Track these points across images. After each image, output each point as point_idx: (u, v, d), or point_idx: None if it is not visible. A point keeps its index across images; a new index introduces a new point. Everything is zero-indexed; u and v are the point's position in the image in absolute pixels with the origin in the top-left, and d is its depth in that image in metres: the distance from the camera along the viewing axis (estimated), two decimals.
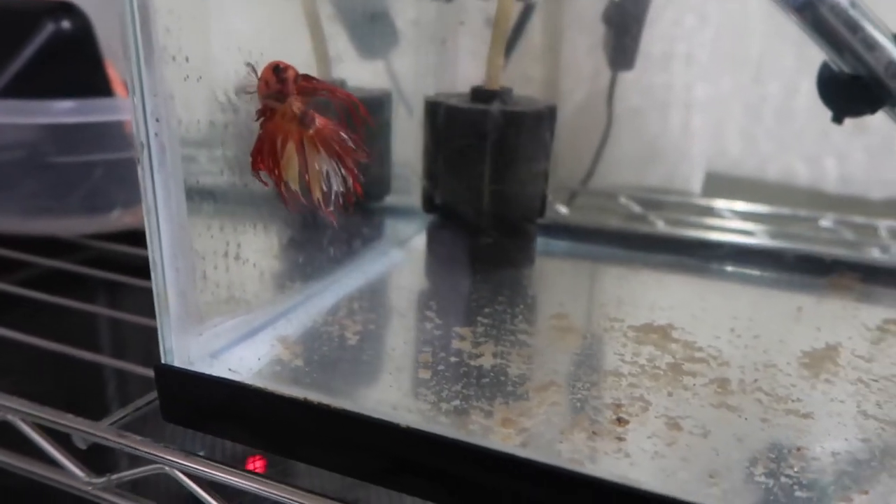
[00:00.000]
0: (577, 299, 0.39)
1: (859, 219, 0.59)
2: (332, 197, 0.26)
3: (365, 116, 0.26)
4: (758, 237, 0.55)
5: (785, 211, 0.60)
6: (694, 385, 0.29)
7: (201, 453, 0.27)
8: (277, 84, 0.26)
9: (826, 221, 0.59)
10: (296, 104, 0.25)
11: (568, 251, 0.47)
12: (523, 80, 0.67)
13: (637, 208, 0.62)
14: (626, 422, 0.26)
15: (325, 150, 0.25)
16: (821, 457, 0.25)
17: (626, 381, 0.29)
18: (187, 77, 0.26)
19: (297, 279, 0.35)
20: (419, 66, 0.46)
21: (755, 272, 0.43)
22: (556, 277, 0.43)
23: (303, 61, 0.35)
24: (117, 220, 0.53)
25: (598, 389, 0.28)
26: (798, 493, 0.23)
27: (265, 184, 0.26)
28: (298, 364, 0.30)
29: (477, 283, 0.39)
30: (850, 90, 0.36)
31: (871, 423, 0.27)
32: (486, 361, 0.30)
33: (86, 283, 0.47)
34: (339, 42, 0.41)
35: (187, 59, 0.25)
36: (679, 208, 0.63)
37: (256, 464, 0.41)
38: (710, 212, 0.62)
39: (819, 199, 0.62)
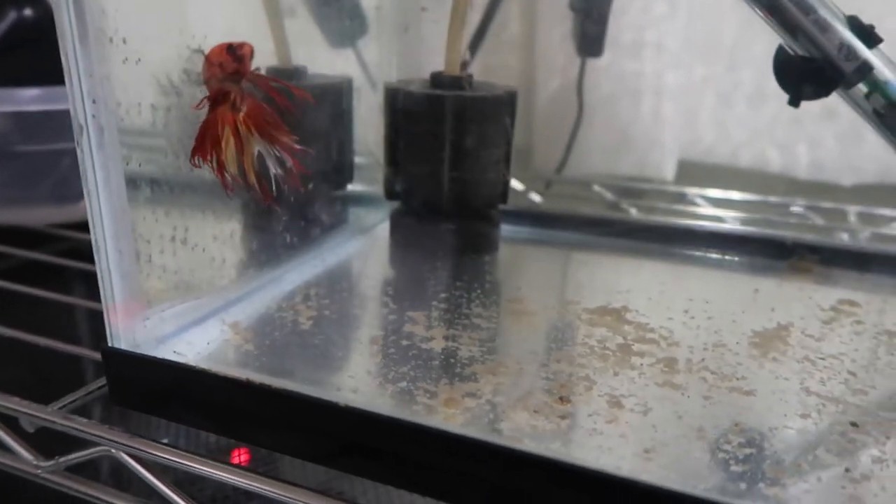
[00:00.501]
0: (536, 284, 0.39)
1: (829, 204, 0.59)
2: (272, 180, 0.26)
3: (291, 101, 0.26)
4: (727, 223, 0.55)
5: (756, 197, 0.60)
6: (641, 365, 0.29)
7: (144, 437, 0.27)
8: (234, 63, 0.26)
9: (797, 207, 0.59)
10: (234, 87, 0.25)
11: (536, 238, 0.47)
12: (499, 69, 0.67)
13: (610, 196, 0.63)
14: (569, 401, 0.26)
15: (257, 131, 0.25)
16: (759, 432, 0.25)
17: (575, 362, 0.29)
18: (126, 59, 0.26)
19: (252, 266, 0.35)
20: (382, 53, 0.46)
21: (717, 256, 0.43)
22: (517, 263, 0.43)
23: (259, 46, 0.35)
24: (85, 209, 0.53)
25: (545, 370, 0.29)
26: (733, 468, 0.23)
27: (199, 168, 0.26)
28: (249, 348, 0.30)
29: (437, 270, 0.39)
30: (804, 73, 0.37)
31: (812, 399, 0.27)
32: (437, 344, 0.30)
33: (55, 273, 0.47)
34: (297, 25, 0.40)
35: (125, 41, 0.25)
36: (651, 196, 0.63)
37: (241, 457, 0.41)
38: (683, 199, 0.62)
39: (791, 186, 0.62)
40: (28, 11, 0.47)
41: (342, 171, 0.42)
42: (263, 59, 0.38)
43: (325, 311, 0.33)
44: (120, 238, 0.26)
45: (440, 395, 0.27)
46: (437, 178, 0.40)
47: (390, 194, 0.42)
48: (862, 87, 0.36)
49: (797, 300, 0.37)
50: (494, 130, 0.40)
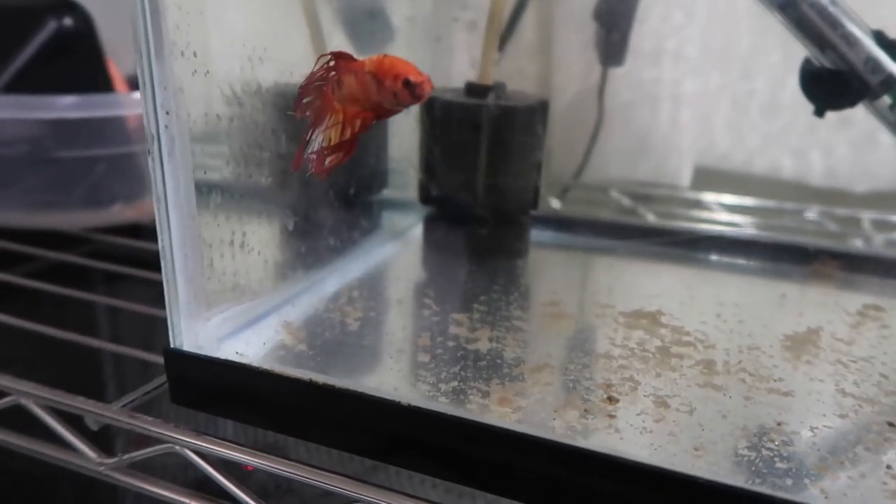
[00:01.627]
0: (569, 287, 0.40)
1: (843, 211, 0.60)
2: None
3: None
4: (745, 229, 0.56)
5: (771, 203, 0.62)
6: (681, 366, 0.30)
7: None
8: (411, 99, 0.24)
9: (811, 213, 0.61)
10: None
11: (561, 242, 0.48)
12: (517, 76, 0.69)
13: (627, 202, 0.64)
14: (617, 400, 0.27)
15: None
16: (800, 431, 0.26)
17: (617, 364, 0.30)
18: (195, 71, 0.27)
19: (300, 268, 0.36)
20: (414, 61, 0.47)
21: (741, 261, 0.44)
22: (549, 267, 0.44)
23: (301, 56, 0.36)
24: (118, 213, 0.54)
25: (589, 371, 0.30)
26: (778, 465, 0.24)
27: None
28: (302, 349, 0.31)
29: (473, 273, 0.40)
30: (831, 85, 0.38)
31: (848, 401, 0.28)
32: (483, 345, 0.32)
33: (89, 275, 0.48)
34: (337, 38, 0.42)
35: (195, 55, 0.27)
36: (668, 202, 0.64)
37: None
38: (699, 204, 0.63)
39: (805, 192, 0.64)
40: (68, 21, 0.49)
41: (378, 176, 0.44)
42: (304, 69, 0.39)
43: (370, 313, 0.35)
44: (186, 243, 0.28)
45: (492, 394, 0.28)
46: (472, 185, 0.41)
47: (425, 199, 0.43)
48: (886, 99, 0.37)
49: (823, 305, 0.38)
50: (528, 139, 0.42)
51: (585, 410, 0.27)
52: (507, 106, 0.40)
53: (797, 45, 0.38)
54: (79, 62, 0.50)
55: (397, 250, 0.44)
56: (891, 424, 0.26)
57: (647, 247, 0.46)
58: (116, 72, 0.53)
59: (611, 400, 0.27)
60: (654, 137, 0.65)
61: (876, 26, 0.37)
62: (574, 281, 0.42)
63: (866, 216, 0.59)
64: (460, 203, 0.42)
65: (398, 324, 0.34)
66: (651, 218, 0.60)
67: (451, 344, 0.32)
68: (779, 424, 0.26)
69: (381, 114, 0.26)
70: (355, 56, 0.26)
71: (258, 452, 0.27)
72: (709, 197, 0.64)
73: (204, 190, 0.28)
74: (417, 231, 0.45)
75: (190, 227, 0.28)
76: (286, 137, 0.33)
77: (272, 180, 0.33)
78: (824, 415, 0.27)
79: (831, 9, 0.36)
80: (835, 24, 0.36)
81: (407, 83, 0.24)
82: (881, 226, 0.58)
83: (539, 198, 0.44)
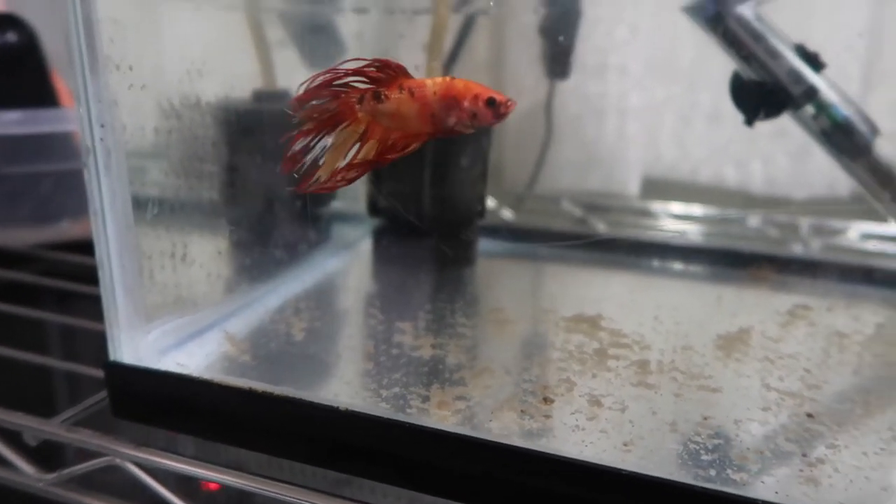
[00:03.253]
0: (514, 295, 0.41)
1: (783, 217, 0.63)
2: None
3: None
4: (690, 236, 0.58)
5: (716, 212, 0.64)
6: (617, 367, 0.31)
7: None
8: (494, 119, 0.24)
9: (754, 220, 0.63)
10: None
11: (509, 251, 0.49)
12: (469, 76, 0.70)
13: (579, 211, 0.65)
14: (552, 401, 0.28)
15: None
16: (725, 425, 0.27)
17: (555, 366, 0.31)
18: (131, 85, 0.27)
19: (245, 280, 0.36)
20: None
21: (682, 267, 0.46)
22: (496, 275, 0.45)
23: (244, 70, 0.37)
24: (66, 230, 0.53)
25: (528, 374, 0.31)
26: (703, 457, 0.25)
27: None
28: (246, 359, 0.31)
29: (420, 283, 0.41)
30: (758, 95, 0.40)
31: (772, 395, 0.29)
32: (426, 352, 0.32)
33: (37, 292, 0.48)
34: (284, 52, 0.42)
35: (131, 68, 0.27)
36: (618, 211, 0.66)
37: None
38: (648, 213, 0.65)
39: (748, 200, 0.66)
40: (11, 36, 0.48)
41: None
42: (249, 83, 0.39)
43: (316, 323, 0.35)
44: (124, 256, 0.28)
45: (433, 398, 0.28)
46: (419, 196, 0.42)
47: (374, 211, 0.44)
48: (810, 109, 0.39)
49: (756, 305, 0.40)
50: (472, 150, 0.42)
51: (522, 411, 0.28)
52: None
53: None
54: (23, 77, 0.49)
55: (346, 262, 0.44)
56: (810, 416, 0.28)
57: (594, 255, 0.48)
58: (62, 86, 0.53)
59: (546, 401, 0.28)
60: (602, 149, 0.67)
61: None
62: (519, 288, 0.43)
63: (804, 222, 0.61)
64: (407, 214, 0.43)
65: (343, 333, 0.35)
66: (602, 227, 0.62)
67: (394, 352, 0.32)
68: (705, 419, 0.27)
69: (439, 135, 0.24)
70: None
71: (205, 464, 0.27)
72: (657, 206, 0.66)
73: (142, 202, 0.28)
74: (367, 243, 0.45)
75: (127, 239, 0.28)
76: (228, 150, 0.33)
77: (215, 193, 0.33)
78: (748, 409, 0.28)
79: (755, 24, 0.38)
80: (758, 38, 0.38)
81: (491, 102, 0.23)
82: (818, 231, 0.60)
83: (486, 208, 0.44)
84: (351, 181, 0.24)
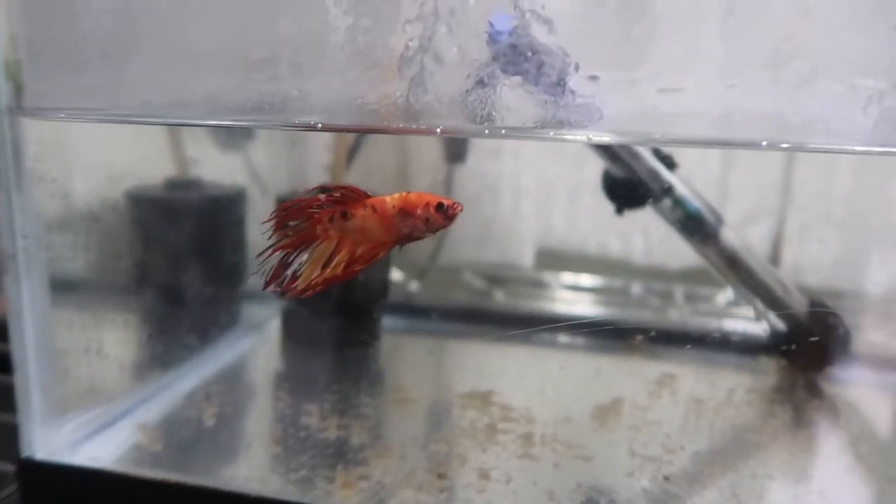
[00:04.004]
0: (414, 372, 0.44)
1: (660, 285, 0.70)
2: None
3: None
4: (578, 305, 0.63)
5: (601, 282, 0.70)
6: (505, 441, 0.35)
7: None
8: (445, 221, 0.26)
9: (636, 288, 0.69)
10: None
11: (412, 328, 0.52)
12: (377, 169, 0.74)
13: (479, 283, 0.70)
14: (446, 476, 0.32)
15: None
16: (596, 490, 0.31)
17: (450, 442, 0.35)
18: (53, 195, 0.29)
19: (157, 368, 0.38)
20: (271, 163, 0.51)
21: (568, 339, 0.51)
22: (399, 353, 0.48)
23: (159, 171, 0.39)
24: None
25: (426, 451, 0.34)
26: None
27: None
28: (158, 448, 0.33)
29: (327, 363, 0.43)
30: (624, 189, 0.46)
31: (636, 460, 0.34)
32: (332, 434, 0.35)
33: None
34: (196, 146, 0.45)
35: (54, 181, 0.29)
36: (515, 281, 0.71)
37: None
38: (541, 284, 0.71)
39: (630, 270, 0.73)
40: None
41: (237, 272, 0.46)
42: (161, 171, 0.42)
43: (226, 408, 0.37)
44: (41, 355, 0.29)
45: (337, 479, 0.31)
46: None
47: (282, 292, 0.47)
48: (667, 202, 0.45)
49: (630, 375, 0.45)
50: None
51: (419, 488, 0.31)
52: None
53: None
54: None
55: (255, 343, 0.46)
56: (666, 478, 0.32)
57: (490, 328, 0.52)
58: None
59: (441, 476, 0.31)
60: (498, 223, 0.72)
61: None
62: (419, 365, 0.46)
63: (678, 290, 0.68)
64: (315, 296, 0.45)
65: (253, 417, 0.37)
66: (500, 297, 0.66)
67: (302, 434, 0.35)
68: (578, 486, 0.31)
69: (398, 243, 0.27)
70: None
71: None
72: (549, 277, 0.71)
73: (60, 300, 0.30)
74: (276, 323, 0.47)
75: (45, 338, 0.29)
76: (141, 243, 0.35)
77: (129, 287, 0.35)
78: (616, 474, 0.32)
79: None
80: (621, 143, 0.44)
81: (440, 206, 0.26)
82: (690, 298, 0.67)
83: (389, 288, 0.48)
84: (324, 289, 0.28)
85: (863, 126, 0.28)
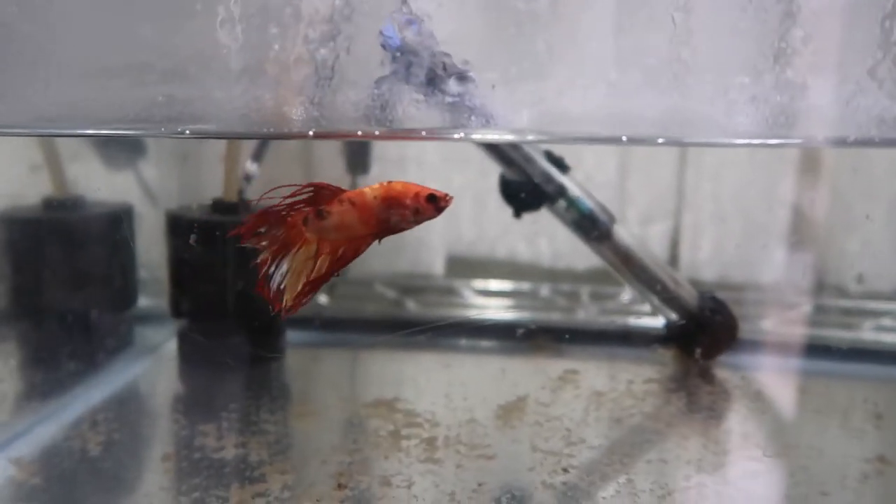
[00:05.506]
0: (318, 385, 0.43)
1: (567, 286, 0.71)
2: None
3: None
4: (488, 309, 0.64)
5: (509, 286, 0.71)
6: (408, 447, 0.35)
7: None
8: (435, 212, 0.26)
9: (544, 290, 0.70)
10: None
11: (319, 341, 0.51)
12: (282, 179, 0.73)
13: (390, 293, 0.69)
14: (346, 486, 0.31)
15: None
16: (496, 488, 0.31)
17: (352, 452, 0.34)
18: None
19: (35, 398, 0.35)
20: (163, 177, 0.49)
21: (474, 343, 0.51)
22: (303, 367, 0.47)
23: (33, 187, 0.37)
24: None
25: (326, 462, 0.33)
26: None
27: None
28: (36, 482, 0.31)
29: (226, 382, 0.42)
30: (520, 193, 0.47)
31: (538, 455, 0.34)
32: (229, 453, 0.33)
33: None
34: (80, 163, 0.43)
35: None
36: (426, 290, 0.71)
37: None
38: (451, 291, 0.71)
39: (538, 272, 0.74)
40: None
41: (126, 294, 0.44)
42: (40, 189, 0.39)
43: (114, 435, 0.35)
44: None
45: (231, 499, 0.30)
46: (223, 295, 0.44)
47: (177, 313, 0.45)
48: (562, 203, 0.47)
49: (535, 374, 0.45)
50: None
51: (317, 500, 0.30)
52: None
53: None
54: None
55: (149, 366, 0.44)
56: (565, 470, 0.33)
57: (399, 337, 0.52)
58: None
59: (340, 487, 0.31)
60: (407, 233, 0.72)
61: None
62: (324, 378, 0.45)
63: (584, 290, 0.70)
64: (211, 314, 0.44)
65: (143, 443, 0.35)
66: (412, 306, 0.66)
67: (196, 455, 0.33)
68: (480, 485, 0.31)
69: (382, 235, 0.26)
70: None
71: None
72: (459, 283, 0.72)
73: None
74: (172, 344, 0.45)
75: None
76: (11, 269, 0.33)
77: (2, 313, 0.33)
78: (518, 471, 0.33)
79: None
80: (515, 146, 0.45)
81: (432, 198, 0.25)
82: (596, 297, 0.69)
83: None
84: (313, 295, 0.26)
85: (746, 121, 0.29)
